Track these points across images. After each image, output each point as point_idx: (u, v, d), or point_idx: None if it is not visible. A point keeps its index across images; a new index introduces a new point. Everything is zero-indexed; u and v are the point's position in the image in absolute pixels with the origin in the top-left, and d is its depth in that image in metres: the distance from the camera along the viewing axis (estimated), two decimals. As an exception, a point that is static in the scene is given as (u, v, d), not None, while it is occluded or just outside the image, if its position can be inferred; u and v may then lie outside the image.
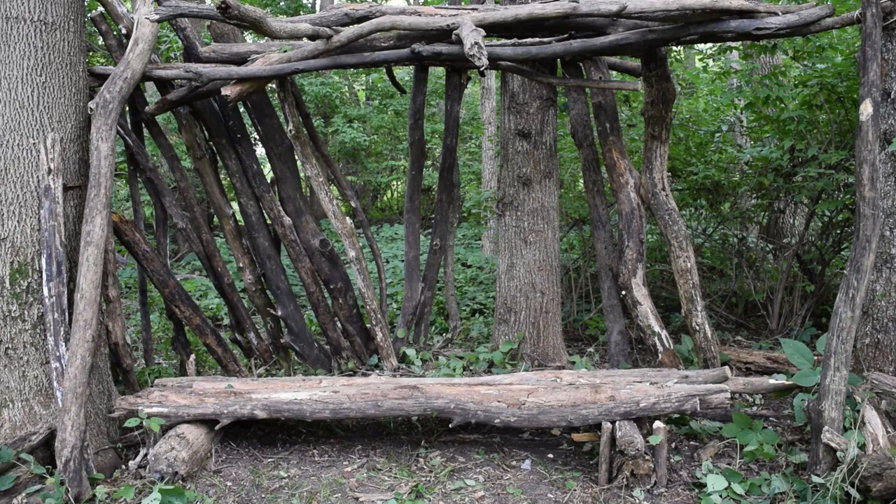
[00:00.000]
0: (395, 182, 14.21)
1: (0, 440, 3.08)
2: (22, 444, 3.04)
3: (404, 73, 10.99)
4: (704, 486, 3.09)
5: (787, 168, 5.05)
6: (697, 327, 4.08)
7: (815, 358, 3.55)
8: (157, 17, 3.56)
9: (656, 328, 4.13)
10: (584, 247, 6.10)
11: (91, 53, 7.77)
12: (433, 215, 5.06)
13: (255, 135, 5.05)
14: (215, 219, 8.41)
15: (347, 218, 4.48)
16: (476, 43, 3.26)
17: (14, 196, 3.15)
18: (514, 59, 3.82)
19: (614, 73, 4.97)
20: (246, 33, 5.73)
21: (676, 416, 3.55)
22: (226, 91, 3.71)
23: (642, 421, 3.29)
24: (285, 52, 3.87)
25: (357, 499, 3.11)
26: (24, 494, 2.89)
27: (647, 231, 4.56)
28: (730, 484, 3.06)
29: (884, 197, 3.20)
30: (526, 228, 4.68)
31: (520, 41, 3.90)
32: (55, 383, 3.16)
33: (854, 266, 2.89)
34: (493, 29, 3.78)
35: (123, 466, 3.36)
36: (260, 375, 4.42)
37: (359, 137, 11.47)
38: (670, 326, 5.20)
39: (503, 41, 4.01)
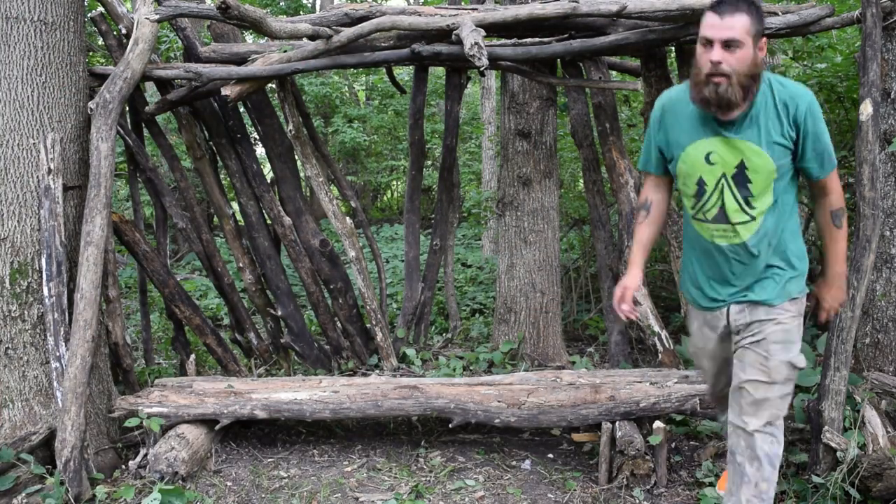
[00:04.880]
0: (395, 182, 14.21)
1: (0, 440, 3.08)
2: (22, 444, 3.04)
3: (404, 73, 10.98)
4: (704, 485, 3.09)
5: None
6: (697, 327, 4.08)
7: (816, 358, 3.55)
8: (157, 17, 3.56)
9: (656, 328, 4.13)
10: (584, 247, 6.10)
11: (91, 53, 7.77)
12: (433, 215, 5.06)
13: (255, 135, 5.04)
14: (215, 219, 8.41)
15: (347, 218, 4.48)
16: (476, 43, 3.26)
17: (14, 196, 3.16)
18: (514, 59, 3.82)
19: (614, 73, 4.97)
20: (246, 33, 5.72)
21: (676, 416, 3.54)
22: (226, 91, 3.71)
23: (642, 421, 3.29)
24: (285, 52, 3.87)
25: (357, 499, 3.11)
26: (24, 494, 2.89)
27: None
28: (730, 484, 3.05)
29: (884, 197, 3.20)
30: (526, 228, 4.68)
31: (520, 41, 3.90)
32: (55, 383, 3.16)
33: (854, 266, 2.89)
34: (493, 29, 3.78)
35: (123, 466, 3.36)
36: (260, 375, 4.42)
37: (359, 137, 11.47)
38: (670, 326, 5.19)
39: (503, 41, 4.01)
